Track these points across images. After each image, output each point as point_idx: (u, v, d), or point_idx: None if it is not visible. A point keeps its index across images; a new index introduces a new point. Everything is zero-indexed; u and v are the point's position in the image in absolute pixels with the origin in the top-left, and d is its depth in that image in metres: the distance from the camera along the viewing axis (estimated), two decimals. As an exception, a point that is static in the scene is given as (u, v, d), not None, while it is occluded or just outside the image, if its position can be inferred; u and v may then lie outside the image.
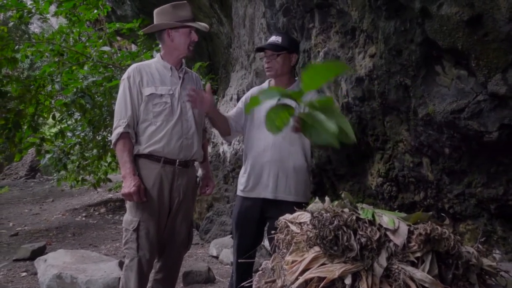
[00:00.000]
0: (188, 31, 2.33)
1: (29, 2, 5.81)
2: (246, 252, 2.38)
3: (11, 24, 5.73)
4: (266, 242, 3.20)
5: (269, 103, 1.55)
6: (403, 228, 1.30)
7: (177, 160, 2.29)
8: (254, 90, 2.63)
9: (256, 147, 2.42)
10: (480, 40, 1.67)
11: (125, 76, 2.32)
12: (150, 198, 2.25)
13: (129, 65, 2.39)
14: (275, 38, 2.42)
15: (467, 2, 1.66)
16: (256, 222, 2.42)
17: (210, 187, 2.63)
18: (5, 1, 5.40)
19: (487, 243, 2.11)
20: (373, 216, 1.35)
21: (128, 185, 2.18)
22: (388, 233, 1.30)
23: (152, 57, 5.09)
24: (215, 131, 5.57)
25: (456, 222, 2.29)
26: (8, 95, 5.53)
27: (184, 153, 2.31)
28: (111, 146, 2.36)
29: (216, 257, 4.32)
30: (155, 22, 2.35)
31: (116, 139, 2.25)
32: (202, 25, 2.40)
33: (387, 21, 2.12)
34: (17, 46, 5.55)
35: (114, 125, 2.29)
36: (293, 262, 1.34)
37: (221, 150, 5.36)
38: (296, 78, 2.51)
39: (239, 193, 2.48)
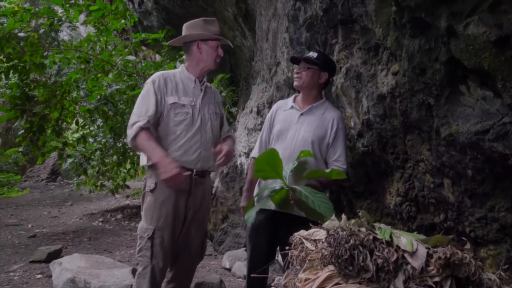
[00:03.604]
0: (216, 46, 2.39)
1: (60, 11, 6.01)
2: (258, 263, 2.36)
3: (41, 31, 5.92)
4: (279, 257, 3.16)
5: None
6: (422, 250, 1.26)
7: (194, 170, 2.30)
8: (279, 103, 2.69)
9: None
10: (507, 61, 1.64)
11: (149, 80, 2.33)
12: (166, 207, 2.25)
13: (152, 75, 2.43)
14: (311, 53, 2.49)
15: (495, 22, 1.63)
16: (268, 234, 2.40)
17: (224, 158, 2.35)
18: (37, 9, 5.60)
19: (510, 270, 2.03)
20: (390, 236, 1.32)
21: (169, 169, 2.11)
22: (406, 255, 1.26)
23: (175, 67, 5.17)
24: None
25: (477, 246, 2.21)
26: (35, 99, 5.69)
27: (201, 163, 2.32)
28: (129, 143, 2.26)
29: (229, 269, 4.29)
30: (184, 34, 2.41)
31: (136, 132, 2.17)
32: (227, 41, 2.49)
33: (411, 39, 2.10)
34: (46, 53, 5.73)
35: (132, 121, 2.22)
36: (306, 280, 1.31)
37: (238, 162, 5.36)
38: (323, 97, 2.57)
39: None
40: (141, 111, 2.24)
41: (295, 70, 2.51)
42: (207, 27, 2.38)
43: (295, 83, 2.51)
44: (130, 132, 2.20)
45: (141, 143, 2.19)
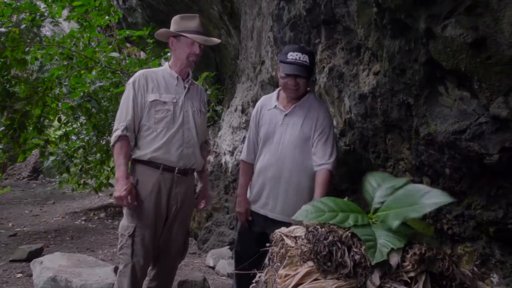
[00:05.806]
0: (191, 42, 2.31)
1: (42, 6, 5.91)
2: (243, 261, 2.36)
3: (23, 26, 5.80)
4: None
5: None
6: (398, 247, 1.29)
7: (176, 168, 2.30)
8: (262, 100, 2.57)
9: (261, 161, 2.43)
10: (483, 62, 1.68)
11: (130, 80, 2.35)
12: (147, 205, 2.25)
13: (136, 72, 2.42)
14: (302, 57, 2.25)
15: (472, 25, 1.67)
16: (256, 235, 2.40)
17: (205, 203, 2.61)
18: (19, 4, 5.50)
19: (485, 266, 2.09)
20: (368, 233, 1.34)
21: (120, 189, 2.19)
22: (382, 251, 1.28)
23: (160, 65, 5.14)
24: (217, 141, 5.59)
25: (455, 243, 2.27)
26: (16, 95, 5.59)
27: (183, 161, 2.32)
28: (110, 148, 2.38)
29: (213, 268, 4.29)
30: None
31: (114, 142, 2.26)
32: (201, 38, 2.33)
33: (392, 40, 2.13)
34: (27, 48, 5.63)
35: (114, 128, 2.31)
36: (286, 276, 1.33)
37: (223, 160, 5.36)
38: (307, 89, 2.45)
39: None
40: (121, 116, 2.30)
41: (289, 83, 2.29)
42: (182, 23, 2.33)
43: (291, 95, 2.35)
44: (111, 138, 2.31)
45: (114, 154, 2.29)
